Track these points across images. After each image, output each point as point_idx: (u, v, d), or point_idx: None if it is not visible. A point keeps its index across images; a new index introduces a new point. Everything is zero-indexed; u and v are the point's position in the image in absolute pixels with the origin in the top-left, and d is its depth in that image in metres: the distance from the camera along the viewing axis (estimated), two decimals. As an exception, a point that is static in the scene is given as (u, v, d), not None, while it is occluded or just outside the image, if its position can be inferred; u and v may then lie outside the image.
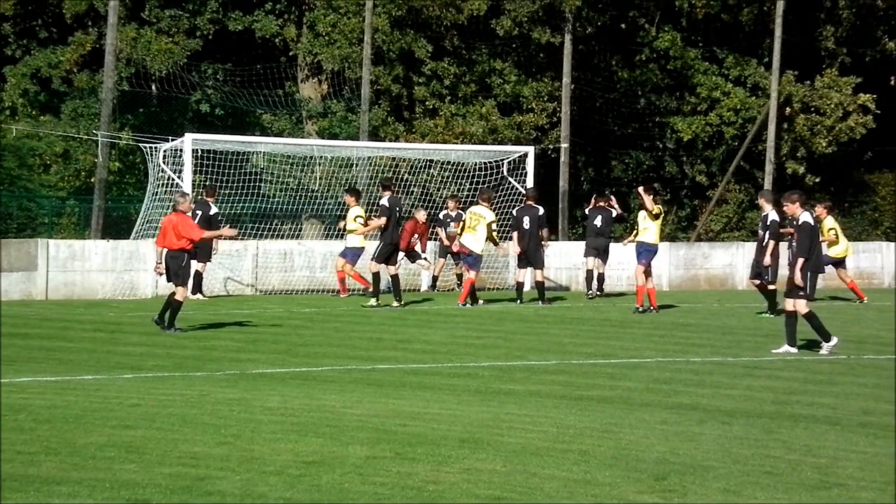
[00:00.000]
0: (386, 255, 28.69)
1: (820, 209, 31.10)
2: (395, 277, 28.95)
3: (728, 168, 45.61)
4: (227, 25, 42.87)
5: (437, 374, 17.86)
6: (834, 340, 20.46)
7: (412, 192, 37.70)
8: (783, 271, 22.20)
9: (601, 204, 32.28)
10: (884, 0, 47.24)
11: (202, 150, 33.09)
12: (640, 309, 27.13)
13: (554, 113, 43.57)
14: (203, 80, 42.63)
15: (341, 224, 31.81)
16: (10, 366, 17.72)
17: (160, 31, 41.85)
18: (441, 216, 33.60)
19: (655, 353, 20.56)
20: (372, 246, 29.66)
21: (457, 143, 40.19)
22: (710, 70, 46.19)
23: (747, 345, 21.93)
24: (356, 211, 30.58)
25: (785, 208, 21.07)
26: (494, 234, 29.40)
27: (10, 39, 42.46)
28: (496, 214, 30.51)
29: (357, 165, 37.61)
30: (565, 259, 35.67)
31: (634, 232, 28.38)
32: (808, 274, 20.17)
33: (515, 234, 29.66)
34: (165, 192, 32.23)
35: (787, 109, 45.41)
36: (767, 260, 26.71)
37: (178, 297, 22.83)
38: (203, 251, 28.91)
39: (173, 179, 31.98)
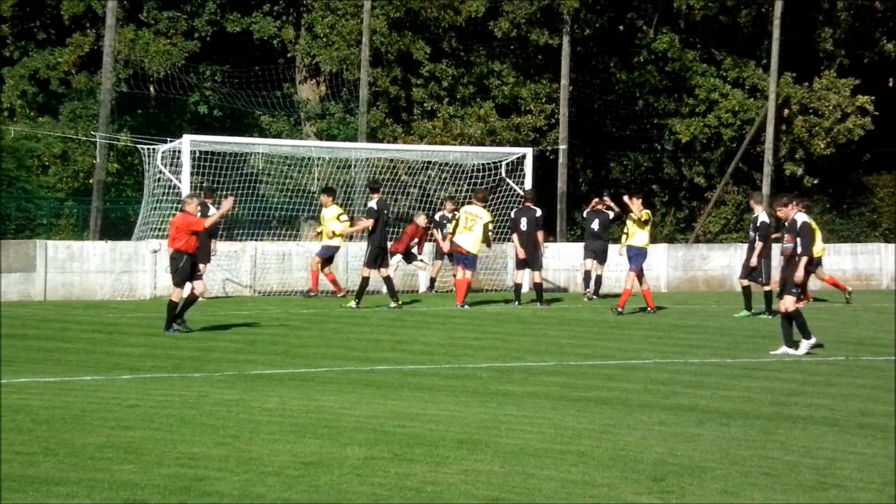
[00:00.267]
0: (375, 259, 28.72)
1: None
2: (387, 279, 28.98)
3: (726, 170, 45.61)
4: (226, 27, 42.86)
5: (436, 376, 17.87)
6: (813, 339, 20.48)
7: (410, 193, 37.70)
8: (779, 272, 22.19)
9: (598, 207, 32.36)
10: (882, 2, 47.26)
11: (200, 152, 33.10)
12: (620, 311, 27.23)
13: (552, 114, 43.57)
14: (201, 81, 42.62)
15: (319, 229, 31.93)
16: (8, 366, 17.72)
17: (158, 33, 41.83)
18: (438, 217, 33.61)
19: (653, 355, 20.57)
20: (351, 246, 29.77)
21: (455, 145, 40.18)
22: (709, 72, 46.20)
23: (745, 346, 21.94)
24: (335, 210, 30.93)
25: (779, 213, 21.23)
26: (490, 234, 29.50)
27: (8, 41, 42.43)
28: (493, 215, 30.53)
29: (355, 167, 37.61)
30: (563, 260, 35.68)
31: (625, 237, 28.57)
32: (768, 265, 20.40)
33: (515, 236, 29.71)
34: (164, 193, 32.23)
35: (786, 111, 45.41)
36: (754, 261, 27.09)
37: (173, 297, 22.89)
38: (202, 252, 28.89)
39: (171, 181, 31.98)
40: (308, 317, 26.73)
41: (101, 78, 36.92)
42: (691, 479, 10.70)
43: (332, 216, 31.12)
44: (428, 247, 33.60)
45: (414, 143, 41.10)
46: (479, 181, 35.45)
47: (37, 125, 40.83)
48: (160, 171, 32.35)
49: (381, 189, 30.53)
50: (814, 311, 26.67)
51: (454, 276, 33.58)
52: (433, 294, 32.98)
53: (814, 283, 30.81)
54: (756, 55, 46.79)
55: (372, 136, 40.73)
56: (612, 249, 32.46)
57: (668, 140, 47.02)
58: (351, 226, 30.99)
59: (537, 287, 29.87)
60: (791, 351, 20.45)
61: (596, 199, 33.18)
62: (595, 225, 32.06)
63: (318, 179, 37.69)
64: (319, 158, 37.50)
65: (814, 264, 31.17)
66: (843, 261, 39.24)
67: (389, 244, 31.08)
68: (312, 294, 31.34)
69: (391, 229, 35.02)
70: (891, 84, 50.76)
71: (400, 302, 28.54)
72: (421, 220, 32.30)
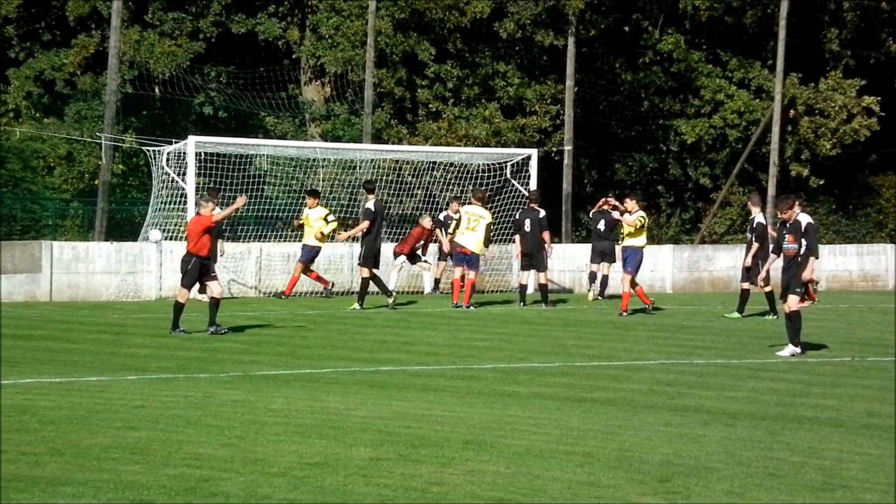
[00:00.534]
0: (370, 258, 28.77)
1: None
2: (374, 278, 29.00)
3: (732, 170, 45.58)
4: (231, 28, 42.86)
5: (441, 376, 17.87)
6: (799, 349, 20.42)
7: (415, 194, 37.69)
8: (777, 273, 22.16)
9: (604, 207, 32.34)
10: (888, 2, 47.19)
11: (205, 153, 33.14)
12: (623, 314, 27.28)
13: (557, 115, 43.55)
14: (206, 82, 42.63)
15: (297, 223, 32.01)
16: (14, 367, 17.73)
17: (163, 34, 41.84)
18: (442, 217, 33.59)
19: (659, 356, 20.57)
20: (331, 248, 29.88)
21: (460, 146, 40.18)
22: (714, 72, 46.16)
23: (751, 347, 21.93)
24: (321, 211, 31.12)
25: (784, 215, 21.12)
26: (490, 234, 29.64)
27: (13, 42, 42.45)
28: (496, 216, 30.56)
29: (360, 168, 37.62)
30: (568, 261, 35.67)
31: (621, 237, 28.71)
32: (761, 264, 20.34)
33: (518, 237, 29.72)
34: (169, 194, 32.26)
35: (791, 112, 45.36)
36: (748, 261, 27.21)
37: (179, 298, 22.92)
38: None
39: (177, 182, 31.99)
40: (313, 318, 26.74)
41: (107, 79, 36.94)
42: (697, 480, 10.70)
43: (318, 217, 31.24)
44: (432, 248, 33.60)
45: (419, 144, 41.09)
46: (483, 182, 35.45)
47: (42, 126, 40.84)
48: (165, 173, 32.38)
49: (381, 189, 30.58)
50: (820, 313, 26.67)
51: (460, 276, 33.70)
52: (438, 295, 32.98)
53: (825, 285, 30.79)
54: (762, 56, 46.75)
55: (377, 138, 40.73)
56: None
57: (673, 141, 46.98)
58: (344, 228, 31.10)
59: (542, 288, 29.88)
60: (798, 350, 20.42)
61: (602, 200, 33.18)
62: (601, 225, 32.03)
63: (324, 181, 37.71)
64: (324, 160, 37.52)
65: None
66: (849, 261, 39.25)
67: (393, 245, 31.15)
68: (285, 297, 31.32)
69: (394, 230, 35.10)
70: (897, 85, 50.70)
71: (393, 295, 28.70)
72: (427, 222, 32.31)
